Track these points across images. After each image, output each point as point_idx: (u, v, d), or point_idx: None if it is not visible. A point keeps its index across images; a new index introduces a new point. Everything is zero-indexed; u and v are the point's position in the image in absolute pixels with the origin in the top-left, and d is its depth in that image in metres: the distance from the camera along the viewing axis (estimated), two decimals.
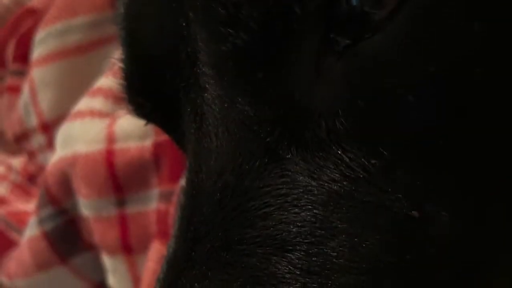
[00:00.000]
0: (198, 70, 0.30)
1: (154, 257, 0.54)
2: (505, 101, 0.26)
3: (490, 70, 0.25)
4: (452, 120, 0.26)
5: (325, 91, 0.27)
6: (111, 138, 0.57)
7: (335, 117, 0.27)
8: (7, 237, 0.70)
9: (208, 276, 0.28)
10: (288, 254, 0.27)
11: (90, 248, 0.62)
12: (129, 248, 0.57)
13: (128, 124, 0.57)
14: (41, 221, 0.63)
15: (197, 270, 0.28)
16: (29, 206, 0.71)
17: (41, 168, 0.71)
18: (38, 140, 0.72)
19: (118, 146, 0.57)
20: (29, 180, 0.76)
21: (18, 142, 0.76)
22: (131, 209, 0.57)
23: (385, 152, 0.26)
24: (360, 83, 0.26)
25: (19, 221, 0.70)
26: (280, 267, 0.27)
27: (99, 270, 0.61)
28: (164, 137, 0.55)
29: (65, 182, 0.60)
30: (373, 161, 0.26)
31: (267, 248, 0.27)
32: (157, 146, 0.56)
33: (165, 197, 0.55)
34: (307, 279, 0.26)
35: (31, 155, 0.75)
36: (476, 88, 0.26)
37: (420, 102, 0.26)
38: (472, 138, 0.26)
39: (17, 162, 0.78)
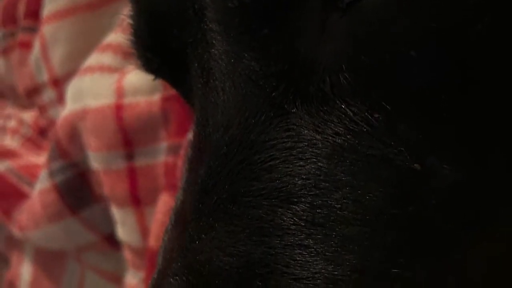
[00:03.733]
0: (205, 26, 0.30)
1: (163, 209, 0.54)
2: (506, 54, 0.26)
3: (491, 24, 0.26)
4: (454, 75, 0.26)
5: (329, 46, 0.27)
6: (120, 93, 0.57)
7: (339, 72, 0.27)
8: (19, 189, 0.71)
9: (215, 228, 0.28)
10: (293, 206, 0.27)
11: (100, 200, 0.62)
12: (138, 200, 0.57)
13: (137, 79, 0.57)
14: (51, 174, 0.63)
15: (204, 222, 0.29)
16: (40, 159, 0.72)
17: (52, 122, 0.71)
18: (48, 94, 0.72)
19: (127, 100, 0.57)
20: (40, 134, 0.76)
21: (29, 96, 0.76)
22: (140, 162, 0.57)
23: (388, 106, 0.27)
24: (363, 39, 0.27)
25: (30, 174, 0.71)
26: (285, 218, 0.27)
27: (109, 222, 0.62)
28: (172, 92, 0.55)
29: (75, 136, 0.61)
30: (376, 115, 0.27)
31: (273, 200, 0.28)
32: (165, 101, 0.56)
33: (173, 150, 0.55)
34: (311, 230, 0.27)
35: (42, 109, 0.75)
36: (477, 42, 0.26)
37: (422, 57, 0.26)
38: (473, 92, 0.26)
39: (28, 116, 0.78)
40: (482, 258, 0.28)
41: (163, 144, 0.56)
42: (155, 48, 0.34)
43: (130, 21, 0.34)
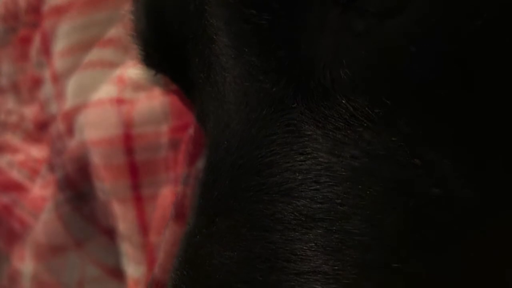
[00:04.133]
0: (206, 22, 0.30)
1: (170, 239, 0.53)
2: (506, 50, 0.26)
3: (491, 20, 0.26)
4: (454, 70, 0.26)
5: (330, 41, 0.27)
6: (129, 123, 0.57)
7: (339, 67, 0.27)
8: (19, 183, 0.70)
9: (215, 222, 0.28)
10: (294, 201, 0.27)
11: (105, 232, 0.62)
12: (145, 231, 0.57)
13: (146, 109, 0.57)
14: (57, 205, 0.62)
15: (204, 216, 0.29)
16: (40, 153, 0.72)
17: (52, 117, 0.71)
18: (49, 89, 0.72)
19: (136, 131, 0.57)
20: (40, 129, 0.76)
21: (30, 90, 0.76)
22: (147, 192, 0.56)
23: (388, 102, 0.27)
24: (364, 34, 0.27)
25: (31, 168, 0.71)
26: (286, 213, 0.27)
27: (114, 254, 0.61)
28: (181, 121, 0.55)
29: (83, 167, 0.60)
30: (376, 110, 0.27)
31: (273, 195, 0.28)
32: (174, 131, 0.56)
33: (182, 179, 0.55)
34: (312, 225, 0.27)
35: (43, 103, 0.75)
36: (477, 38, 0.26)
37: (422, 52, 0.26)
38: (474, 88, 0.26)
39: (29, 111, 0.78)
40: (482, 256, 0.28)
41: (171, 174, 0.56)
42: (156, 43, 0.34)
43: (131, 16, 0.34)
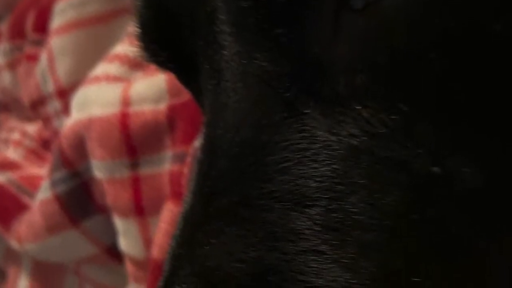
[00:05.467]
0: (217, 28, 0.29)
1: (167, 218, 0.54)
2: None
3: (509, 24, 0.25)
4: (474, 76, 0.26)
5: (344, 47, 0.27)
6: (126, 101, 0.57)
7: (354, 73, 0.27)
8: (19, 200, 0.70)
9: (225, 232, 0.28)
10: (308, 210, 0.27)
11: (102, 211, 0.62)
12: (142, 210, 0.57)
13: (143, 88, 0.57)
14: (53, 184, 0.63)
15: (213, 226, 0.28)
16: (42, 171, 0.72)
17: (56, 134, 0.72)
18: (54, 105, 0.73)
19: (133, 109, 0.57)
20: (43, 146, 0.76)
21: (34, 108, 0.77)
22: (144, 171, 0.57)
23: (405, 108, 0.26)
24: (380, 40, 0.26)
25: (31, 185, 0.71)
26: (299, 223, 0.27)
27: (111, 233, 0.61)
28: (178, 100, 0.55)
29: (79, 145, 0.60)
30: (393, 117, 0.26)
31: (286, 204, 0.27)
32: (171, 109, 0.56)
33: (179, 158, 0.55)
34: (327, 235, 0.26)
35: (46, 120, 0.75)
36: (496, 42, 0.25)
37: (442, 58, 0.26)
38: (494, 93, 0.26)
39: (32, 128, 0.78)
40: (503, 270, 0.27)
41: (169, 153, 0.56)
42: (162, 42, 0.34)
43: (137, 12, 0.34)
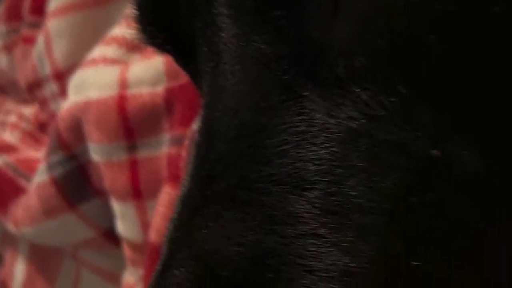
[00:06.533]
0: (215, 10, 0.29)
1: (165, 201, 0.53)
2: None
3: (509, 6, 0.25)
4: (474, 57, 0.26)
5: (344, 29, 0.26)
6: (123, 84, 0.57)
7: (353, 55, 0.26)
8: (16, 183, 0.70)
9: (222, 215, 0.27)
10: (306, 193, 0.26)
11: (99, 194, 0.62)
12: (139, 193, 0.57)
13: (141, 70, 0.57)
14: (50, 167, 0.63)
15: (211, 209, 0.28)
16: (39, 154, 0.71)
17: (53, 116, 0.71)
18: (51, 88, 0.72)
19: (130, 91, 0.57)
20: (40, 129, 0.76)
21: (31, 90, 0.76)
22: (142, 154, 0.57)
23: (404, 90, 0.26)
24: (380, 23, 0.26)
25: (28, 168, 0.70)
26: (298, 206, 0.26)
27: (108, 216, 0.61)
28: (176, 82, 0.55)
29: (76, 127, 0.60)
30: (392, 99, 0.26)
31: (285, 187, 0.27)
32: (169, 92, 0.56)
33: (177, 141, 0.55)
34: (326, 218, 0.26)
35: (43, 103, 0.75)
36: (496, 24, 0.25)
37: (441, 40, 0.25)
38: (494, 75, 0.26)
39: (29, 111, 0.78)
40: (503, 255, 0.27)
41: (166, 136, 0.56)
42: (159, 23, 0.33)
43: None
